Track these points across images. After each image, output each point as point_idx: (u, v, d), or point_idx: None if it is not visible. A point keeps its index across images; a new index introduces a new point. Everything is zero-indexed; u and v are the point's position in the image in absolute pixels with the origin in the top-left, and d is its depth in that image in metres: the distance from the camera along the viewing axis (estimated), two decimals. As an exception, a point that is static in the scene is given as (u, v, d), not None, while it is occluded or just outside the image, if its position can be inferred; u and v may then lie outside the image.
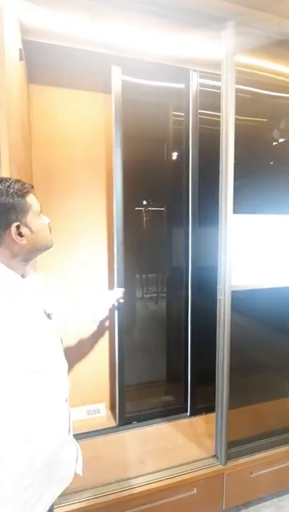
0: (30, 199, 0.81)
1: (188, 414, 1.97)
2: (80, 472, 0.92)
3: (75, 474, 0.91)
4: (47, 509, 0.80)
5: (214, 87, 1.81)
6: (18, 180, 0.80)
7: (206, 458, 1.59)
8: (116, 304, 1.72)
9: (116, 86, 1.72)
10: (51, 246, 0.88)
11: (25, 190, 0.79)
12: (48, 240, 0.86)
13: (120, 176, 1.74)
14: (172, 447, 1.67)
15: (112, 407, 1.96)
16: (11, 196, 0.76)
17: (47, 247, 0.87)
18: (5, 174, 1.08)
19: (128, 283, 1.85)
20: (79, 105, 1.80)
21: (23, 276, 0.83)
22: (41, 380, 0.78)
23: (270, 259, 1.59)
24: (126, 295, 1.76)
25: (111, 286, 1.89)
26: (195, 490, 1.49)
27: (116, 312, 1.79)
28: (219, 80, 1.46)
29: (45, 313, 0.87)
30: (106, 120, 1.84)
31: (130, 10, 1.31)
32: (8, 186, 0.77)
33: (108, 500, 1.34)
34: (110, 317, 1.89)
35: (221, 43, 1.43)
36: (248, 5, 1.37)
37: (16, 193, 0.77)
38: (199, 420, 1.92)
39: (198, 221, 1.90)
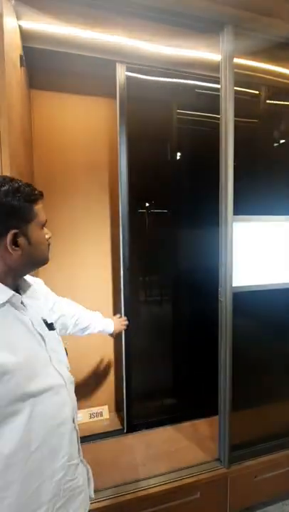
0: (38, 208, 0.74)
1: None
2: (92, 495, 0.88)
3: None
4: None
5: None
6: (28, 185, 0.73)
7: (209, 461, 1.58)
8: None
9: (121, 85, 1.69)
10: (46, 263, 0.80)
11: (34, 197, 0.72)
12: (45, 255, 0.78)
13: (126, 179, 1.72)
14: (175, 450, 1.66)
15: (118, 411, 1.96)
16: (17, 199, 0.68)
17: (42, 264, 0.79)
18: (6, 179, 1.09)
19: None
20: (80, 109, 1.82)
21: (18, 288, 0.77)
22: (44, 401, 0.71)
23: (271, 260, 1.59)
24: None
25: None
26: (198, 493, 1.48)
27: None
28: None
29: (46, 323, 0.81)
30: (108, 124, 1.85)
31: (130, 16, 1.32)
32: (18, 188, 0.69)
33: (111, 504, 1.33)
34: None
35: (219, 47, 1.44)
36: (246, 9, 1.38)
37: (23, 197, 0.69)
38: (202, 423, 1.91)
39: (197, 222, 1.91)
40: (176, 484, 1.43)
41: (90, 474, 0.89)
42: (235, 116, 1.43)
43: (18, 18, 1.35)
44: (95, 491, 1.34)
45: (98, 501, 1.33)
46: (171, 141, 2.00)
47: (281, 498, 1.71)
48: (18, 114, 1.32)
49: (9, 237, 0.68)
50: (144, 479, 1.46)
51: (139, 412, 1.87)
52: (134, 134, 1.75)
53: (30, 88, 1.73)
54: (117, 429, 1.83)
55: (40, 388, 0.70)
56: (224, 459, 1.55)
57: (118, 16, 1.32)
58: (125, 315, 1.71)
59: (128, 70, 1.70)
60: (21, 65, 1.41)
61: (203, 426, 1.88)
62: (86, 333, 1.32)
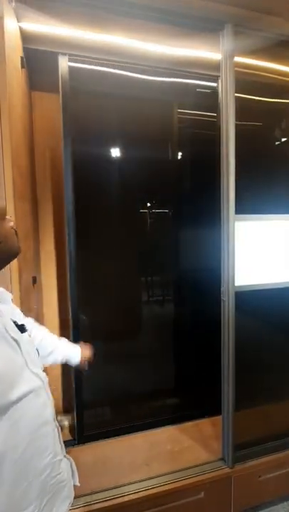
0: None
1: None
2: (77, 483, 0.90)
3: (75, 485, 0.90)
4: None
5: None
6: None
7: (213, 461, 1.57)
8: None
9: (63, 77, 1.57)
10: (19, 253, 0.74)
11: None
12: (15, 247, 0.73)
13: (70, 174, 1.58)
14: (178, 450, 1.66)
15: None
16: None
17: (15, 256, 0.74)
18: (8, 180, 1.10)
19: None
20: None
21: None
22: (26, 405, 0.70)
23: (274, 259, 1.59)
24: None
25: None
26: (202, 493, 1.47)
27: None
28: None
29: (17, 325, 0.77)
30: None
31: (129, 16, 1.32)
32: None
33: (114, 503, 1.33)
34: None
35: (220, 46, 1.44)
36: (246, 7, 1.38)
37: None
38: (206, 423, 1.90)
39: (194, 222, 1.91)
40: (179, 484, 1.43)
41: (74, 466, 0.90)
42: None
43: (18, 19, 1.35)
44: (98, 491, 1.37)
45: (100, 501, 1.33)
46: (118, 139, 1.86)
47: (286, 498, 1.70)
48: (19, 115, 1.33)
49: None
50: (147, 479, 1.45)
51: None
52: (82, 131, 1.65)
53: (31, 90, 1.74)
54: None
55: (21, 394, 0.69)
56: (228, 459, 1.54)
57: (118, 16, 1.32)
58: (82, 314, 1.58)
59: (71, 60, 1.58)
60: (22, 67, 1.42)
61: (206, 425, 1.88)
62: (50, 359, 1.03)
